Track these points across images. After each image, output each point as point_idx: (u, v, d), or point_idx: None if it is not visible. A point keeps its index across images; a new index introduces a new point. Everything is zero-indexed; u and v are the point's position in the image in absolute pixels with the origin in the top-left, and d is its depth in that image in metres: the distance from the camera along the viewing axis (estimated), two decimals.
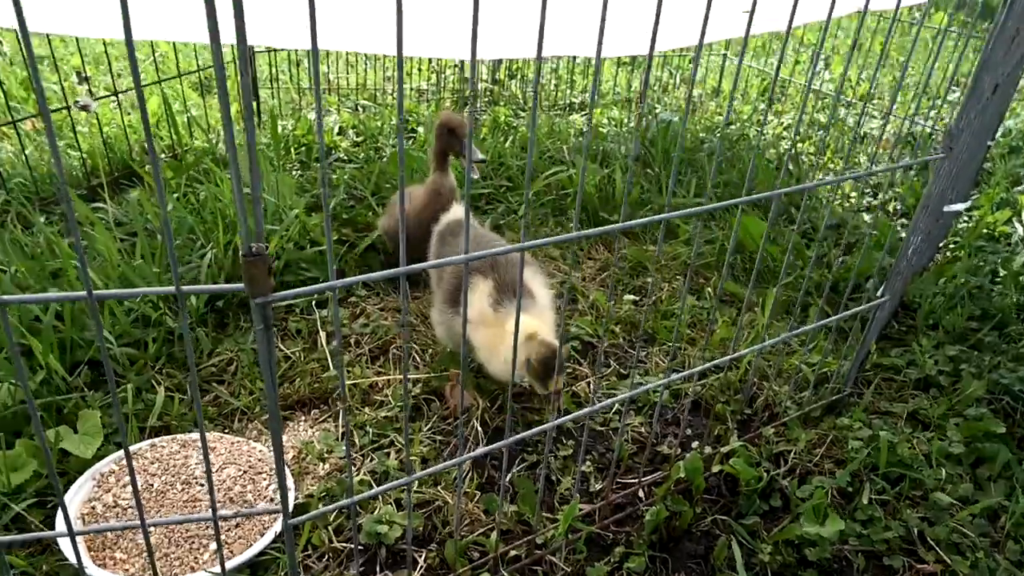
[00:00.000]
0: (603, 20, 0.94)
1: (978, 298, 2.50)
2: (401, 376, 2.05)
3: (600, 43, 0.97)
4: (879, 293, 1.93)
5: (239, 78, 0.75)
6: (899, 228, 2.98)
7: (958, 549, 1.63)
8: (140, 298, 2.07)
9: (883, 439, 1.79)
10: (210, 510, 1.03)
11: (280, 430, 0.98)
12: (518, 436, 1.27)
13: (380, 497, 1.67)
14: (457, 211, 2.18)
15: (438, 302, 1.96)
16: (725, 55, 5.05)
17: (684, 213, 1.26)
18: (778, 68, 1.26)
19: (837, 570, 1.60)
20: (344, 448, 1.78)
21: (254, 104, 3.68)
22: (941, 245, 3.01)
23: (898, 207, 3.33)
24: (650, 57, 1.06)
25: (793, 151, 3.82)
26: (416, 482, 1.70)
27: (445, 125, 2.27)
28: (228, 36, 0.78)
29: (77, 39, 3.28)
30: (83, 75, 3.75)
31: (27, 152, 2.91)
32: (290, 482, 1.63)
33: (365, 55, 4.51)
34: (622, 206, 1.06)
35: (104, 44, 3.40)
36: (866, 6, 1.42)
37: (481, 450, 1.25)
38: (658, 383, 1.49)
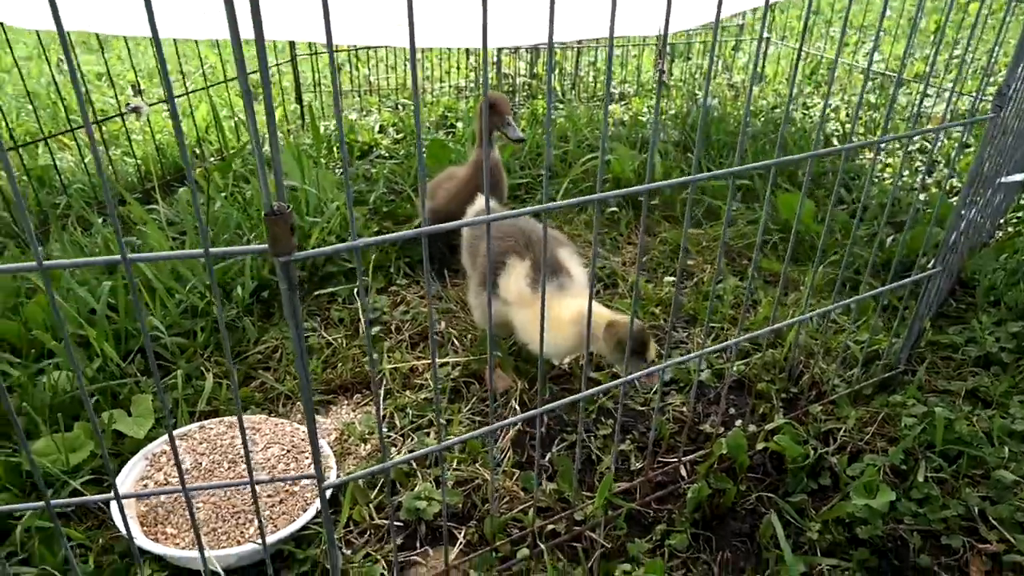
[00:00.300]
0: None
1: None
2: (440, 361, 2.07)
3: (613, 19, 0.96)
4: (930, 264, 1.85)
5: (257, 53, 0.77)
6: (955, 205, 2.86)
7: (1023, 528, 1.54)
8: (188, 289, 2.14)
9: (939, 416, 1.71)
10: (256, 481, 1.06)
11: (310, 389, 1.00)
12: (550, 405, 1.26)
13: (420, 475, 1.69)
14: (481, 203, 2.15)
15: (474, 285, 1.97)
16: (768, 37, 4.93)
17: (714, 175, 1.23)
18: (798, 44, 1.22)
19: (891, 549, 1.54)
20: (375, 416, 1.80)
21: (299, 107, 3.78)
22: (1003, 221, 2.87)
23: (955, 184, 3.19)
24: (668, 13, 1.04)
25: (833, 126, 3.70)
26: (450, 454, 1.71)
27: (487, 100, 2.30)
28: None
29: (130, 53, 3.42)
30: (137, 88, 3.92)
31: (86, 160, 3.05)
32: (331, 459, 1.65)
33: (405, 57, 4.58)
34: (648, 160, 1.04)
35: (154, 59, 3.52)
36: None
37: (512, 419, 1.24)
38: (693, 355, 1.46)
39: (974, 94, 3.72)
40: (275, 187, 0.85)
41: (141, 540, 1.42)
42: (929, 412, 1.76)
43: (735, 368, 2.02)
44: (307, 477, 1.07)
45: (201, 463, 1.65)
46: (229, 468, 1.63)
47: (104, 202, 2.86)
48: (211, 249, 0.89)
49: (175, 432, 1.73)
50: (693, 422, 1.86)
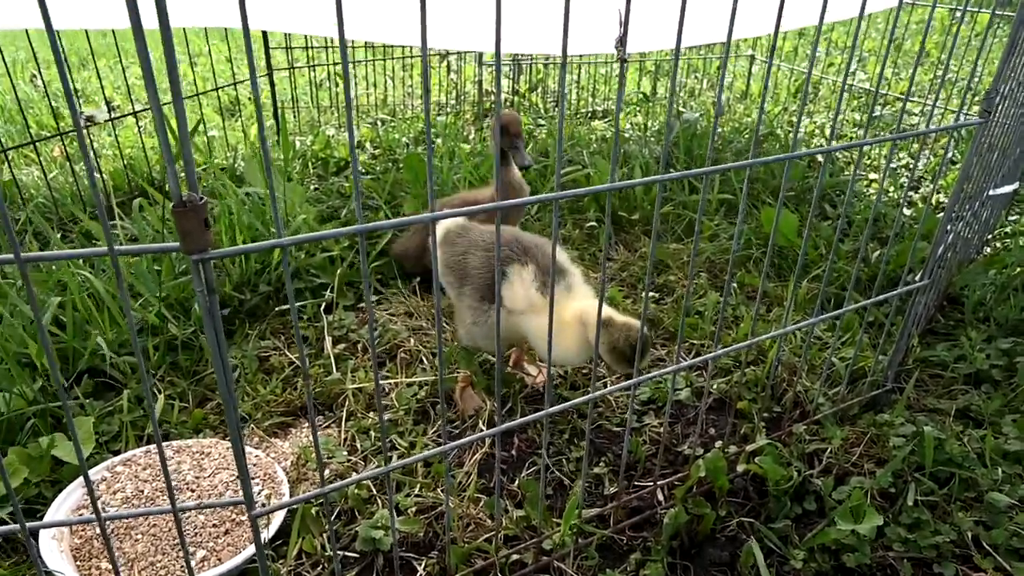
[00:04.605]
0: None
1: None
2: (407, 380, 1.97)
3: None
4: (916, 278, 1.77)
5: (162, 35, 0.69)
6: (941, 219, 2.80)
7: (1020, 555, 1.45)
8: (145, 307, 2.04)
9: (928, 435, 1.62)
10: (180, 508, 0.95)
11: (236, 410, 0.90)
12: (507, 424, 1.16)
13: (379, 501, 1.58)
14: (452, 221, 1.96)
15: (469, 302, 1.79)
16: (752, 56, 4.92)
17: (683, 174, 1.16)
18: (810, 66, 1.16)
19: None
20: (311, 438, 1.70)
21: (276, 123, 3.71)
22: (991, 236, 2.81)
23: (942, 199, 3.14)
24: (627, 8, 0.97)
25: (819, 141, 3.66)
26: (412, 479, 1.61)
27: (498, 121, 2.24)
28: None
29: (97, 71, 3.35)
30: (109, 103, 3.84)
31: (50, 176, 2.96)
32: (284, 484, 1.55)
33: (387, 74, 4.53)
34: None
35: (123, 72, 3.45)
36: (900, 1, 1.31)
37: (466, 439, 1.15)
38: (667, 370, 1.37)
39: (956, 111, 3.69)
40: (185, 175, 0.76)
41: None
42: (918, 432, 1.67)
43: (716, 387, 1.93)
44: (235, 503, 0.97)
45: (144, 490, 1.53)
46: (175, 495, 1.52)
47: (64, 219, 2.76)
48: (117, 248, 0.80)
49: (117, 458, 1.61)
50: (672, 443, 1.77)
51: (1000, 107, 1.91)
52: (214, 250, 0.80)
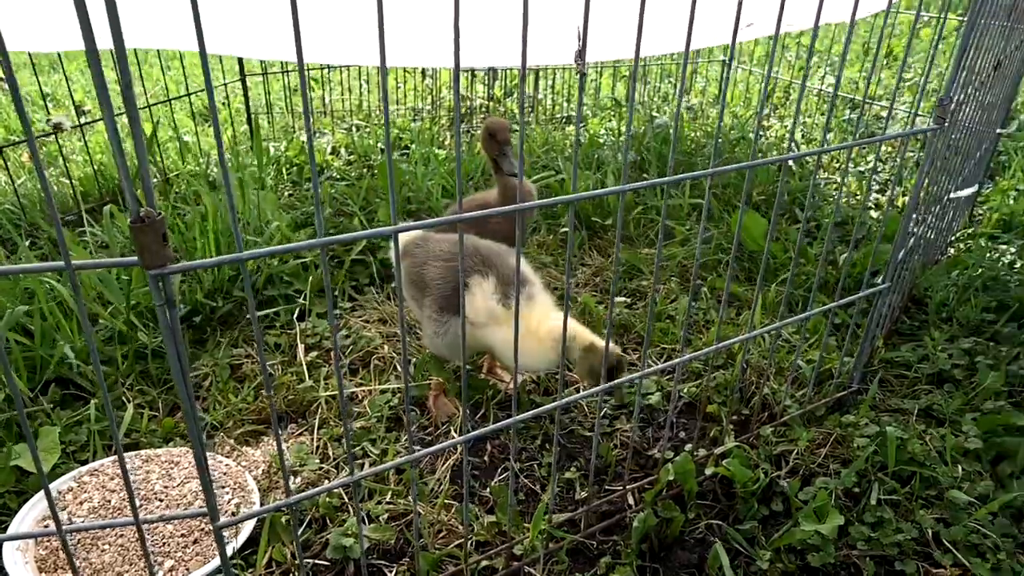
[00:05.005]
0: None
1: (993, 289, 2.36)
2: (380, 387, 1.97)
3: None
4: (879, 280, 1.81)
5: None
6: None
7: (978, 551, 1.48)
8: (114, 315, 2.02)
9: (891, 435, 1.66)
10: (143, 521, 0.95)
11: (198, 423, 0.90)
12: (475, 433, 1.17)
13: (351, 509, 1.58)
14: (409, 235, 1.94)
15: (430, 314, 1.77)
16: (724, 60, 4.98)
17: (641, 184, 1.17)
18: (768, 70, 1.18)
19: None
20: (275, 458, 1.70)
21: (249, 129, 3.69)
22: (954, 238, 2.87)
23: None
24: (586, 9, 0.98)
25: (786, 146, 3.71)
26: (384, 486, 1.61)
27: (487, 128, 2.25)
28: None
29: (66, 76, 3.31)
30: (81, 109, 3.80)
31: (18, 182, 2.92)
32: (255, 493, 1.54)
33: (362, 78, 4.53)
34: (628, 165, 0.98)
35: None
36: (853, 15, 1.34)
37: (435, 447, 1.15)
38: (636, 375, 1.39)
39: (925, 115, 3.77)
40: (142, 190, 0.76)
41: None
42: (881, 432, 1.70)
43: (686, 391, 1.96)
44: (199, 515, 0.97)
45: (111, 500, 1.52)
46: (141, 507, 1.51)
47: (33, 225, 2.73)
48: (74, 262, 0.80)
49: (84, 468, 1.60)
50: (642, 447, 1.79)
51: (961, 110, 1.96)
52: (176, 264, 0.81)
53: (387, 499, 1.60)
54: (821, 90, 4.51)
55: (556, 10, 2.25)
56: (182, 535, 1.45)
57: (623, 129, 3.90)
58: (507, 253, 1.78)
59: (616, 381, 1.40)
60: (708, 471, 1.64)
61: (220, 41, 2.48)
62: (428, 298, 1.76)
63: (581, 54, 0.96)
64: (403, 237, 1.86)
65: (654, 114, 3.92)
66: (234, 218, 0.82)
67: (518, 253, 1.07)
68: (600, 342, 1.60)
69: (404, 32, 2.43)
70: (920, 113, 3.73)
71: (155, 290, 0.80)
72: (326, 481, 1.68)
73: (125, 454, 1.65)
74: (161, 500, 1.53)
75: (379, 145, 3.63)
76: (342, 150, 3.64)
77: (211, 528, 1.45)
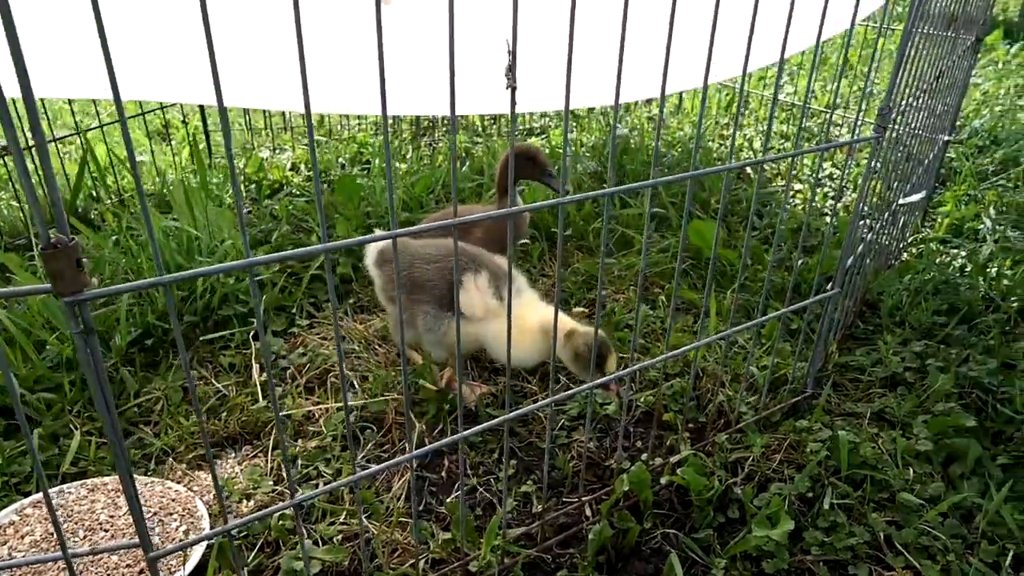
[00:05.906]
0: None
1: (945, 292, 2.41)
2: (336, 405, 1.95)
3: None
4: (828, 286, 1.84)
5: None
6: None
7: (928, 553, 1.50)
8: (61, 341, 1.98)
9: (843, 439, 1.68)
10: (72, 555, 0.92)
11: (125, 453, 0.88)
12: (419, 451, 1.16)
13: (306, 531, 1.55)
14: (378, 244, 1.95)
15: (428, 309, 1.83)
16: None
17: (584, 196, 1.18)
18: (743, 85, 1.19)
19: None
20: (210, 473, 1.67)
21: (208, 147, 3.65)
22: (907, 243, 2.93)
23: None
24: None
25: (747, 154, 3.77)
26: (337, 507, 1.59)
27: (523, 154, 2.19)
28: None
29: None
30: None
31: None
32: (204, 519, 1.51)
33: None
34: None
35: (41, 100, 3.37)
36: (818, 38, 1.36)
37: (382, 465, 1.14)
38: (585, 387, 1.39)
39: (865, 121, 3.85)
40: (52, 215, 0.74)
41: None
42: (834, 436, 1.72)
43: (643, 399, 1.97)
44: (131, 546, 0.95)
45: (55, 533, 1.48)
46: (85, 537, 1.47)
47: None
48: None
49: (27, 500, 1.55)
50: (599, 458, 1.79)
51: (905, 118, 2.00)
52: (95, 289, 0.79)
53: (341, 519, 1.58)
54: (782, 100, 4.59)
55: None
56: (128, 565, 1.41)
57: (584, 140, 3.93)
58: (491, 254, 1.89)
59: (607, 377, 1.46)
60: (664, 480, 1.65)
61: (164, 88, 2.41)
62: (424, 303, 1.83)
63: (511, 68, 0.97)
64: (377, 247, 1.93)
65: (619, 125, 3.95)
66: (153, 241, 0.80)
67: (510, 255, 1.06)
68: (581, 328, 1.72)
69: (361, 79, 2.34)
70: (870, 121, 3.81)
71: (71, 317, 0.78)
72: (280, 502, 1.65)
73: (68, 485, 1.60)
74: (107, 531, 1.49)
75: (339, 160, 3.61)
76: (302, 166, 3.61)
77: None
